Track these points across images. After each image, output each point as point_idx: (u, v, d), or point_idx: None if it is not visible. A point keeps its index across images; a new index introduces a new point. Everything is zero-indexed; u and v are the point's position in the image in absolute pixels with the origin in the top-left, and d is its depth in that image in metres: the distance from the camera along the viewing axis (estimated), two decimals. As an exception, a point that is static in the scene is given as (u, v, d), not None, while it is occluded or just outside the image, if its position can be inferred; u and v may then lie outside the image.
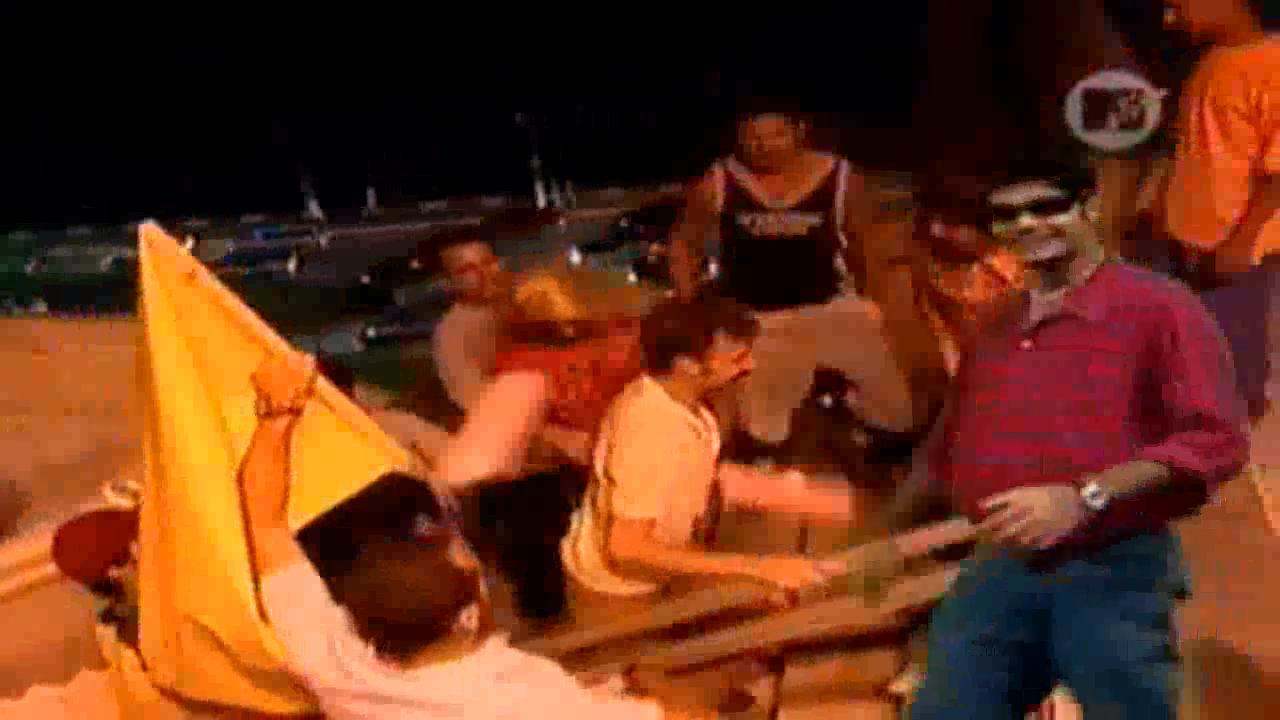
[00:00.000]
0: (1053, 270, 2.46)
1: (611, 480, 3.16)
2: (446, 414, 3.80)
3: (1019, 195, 2.40)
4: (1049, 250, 2.43)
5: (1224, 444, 2.35)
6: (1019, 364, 2.49)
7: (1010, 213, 2.41)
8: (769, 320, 3.54)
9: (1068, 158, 2.55)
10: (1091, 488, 2.28)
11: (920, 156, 4.32)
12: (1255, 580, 3.64)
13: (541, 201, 7.63)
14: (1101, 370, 2.40)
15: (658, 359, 3.15)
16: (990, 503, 2.33)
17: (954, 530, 2.84)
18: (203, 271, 2.59)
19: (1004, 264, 3.40)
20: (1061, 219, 2.40)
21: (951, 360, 3.42)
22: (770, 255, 4.19)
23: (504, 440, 3.45)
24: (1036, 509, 2.28)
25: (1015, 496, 2.29)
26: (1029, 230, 2.40)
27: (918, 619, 3.13)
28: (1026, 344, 2.48)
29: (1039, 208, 2.40)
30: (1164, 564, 2.56)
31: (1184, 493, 2.38)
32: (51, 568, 2.99)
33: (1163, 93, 4.26)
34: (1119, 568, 2.49)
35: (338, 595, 2.41)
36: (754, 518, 3.55)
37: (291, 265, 7.50)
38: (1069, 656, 2.54)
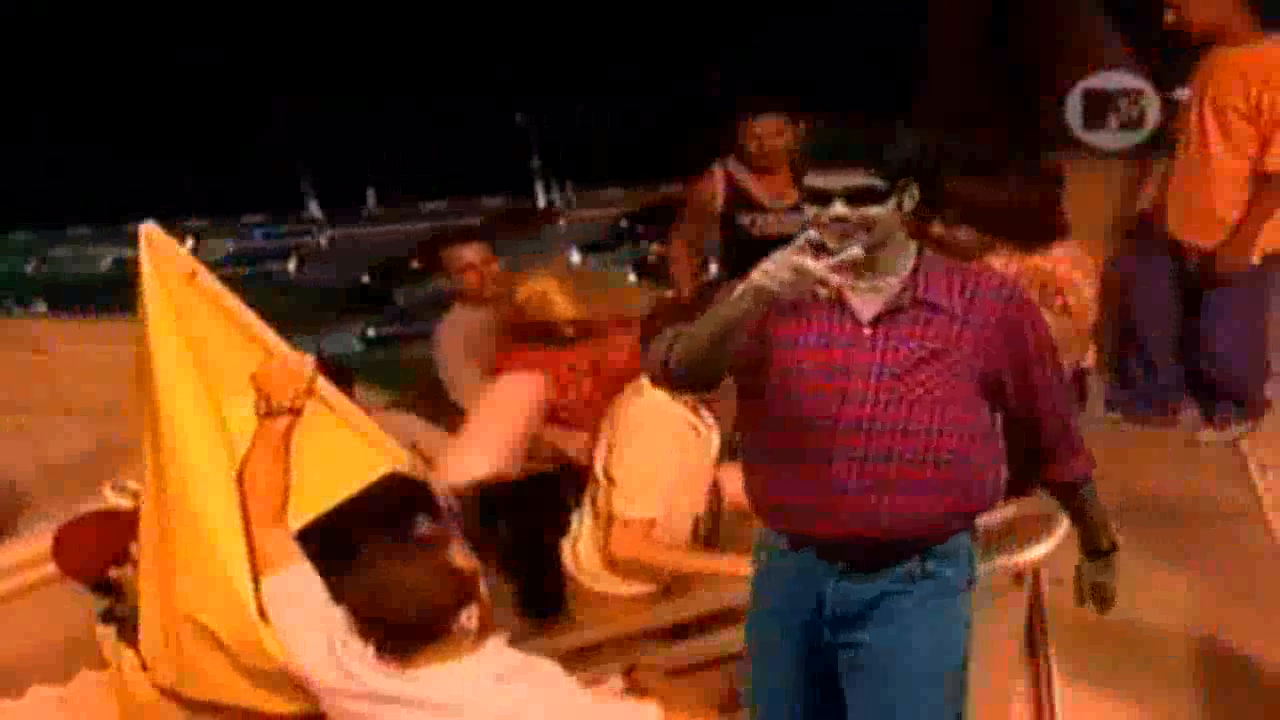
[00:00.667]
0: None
1: (611, 480, 3.16)
2: (446, 414, 3.80)
3: (836, 181, 2.20)
4: (855, 244, 2.22)
5: (1084, 448, 2.49)
6: (857, 351, 2.31)
7: (824, 198, 2.21)
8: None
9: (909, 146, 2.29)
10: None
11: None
12: (1255, 580, 3.65)
13: (541, 201, 7.62)
14: (961, 362, 2.29)
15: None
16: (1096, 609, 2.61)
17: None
18: (203, 271, 2.59)
19: (1004, 264, 3.40)
20: (875, 211, 2.21)
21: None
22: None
23: (504, 440, 3.45)
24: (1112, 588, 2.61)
25: (1108, 594, 2.62)
26: (841, 219, 2.19)
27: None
28: (868, 331, 2.30)
29: (854, 197, 2.20)
30: (973, 560, 2.49)
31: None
32: (51, 568, 2.99)
33: (1182, 92, 4.24)
34: (947, 565, 2.41)
35: (338, 595, 2.41)
36: (754, 517, 3.55)
37: (291, 265, 7.48)
38: (888, 658, 2.41)
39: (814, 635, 2.46)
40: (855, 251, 2.16)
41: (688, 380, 2.42)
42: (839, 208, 2.19)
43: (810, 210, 2.23)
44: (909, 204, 2.25)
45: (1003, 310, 2.30)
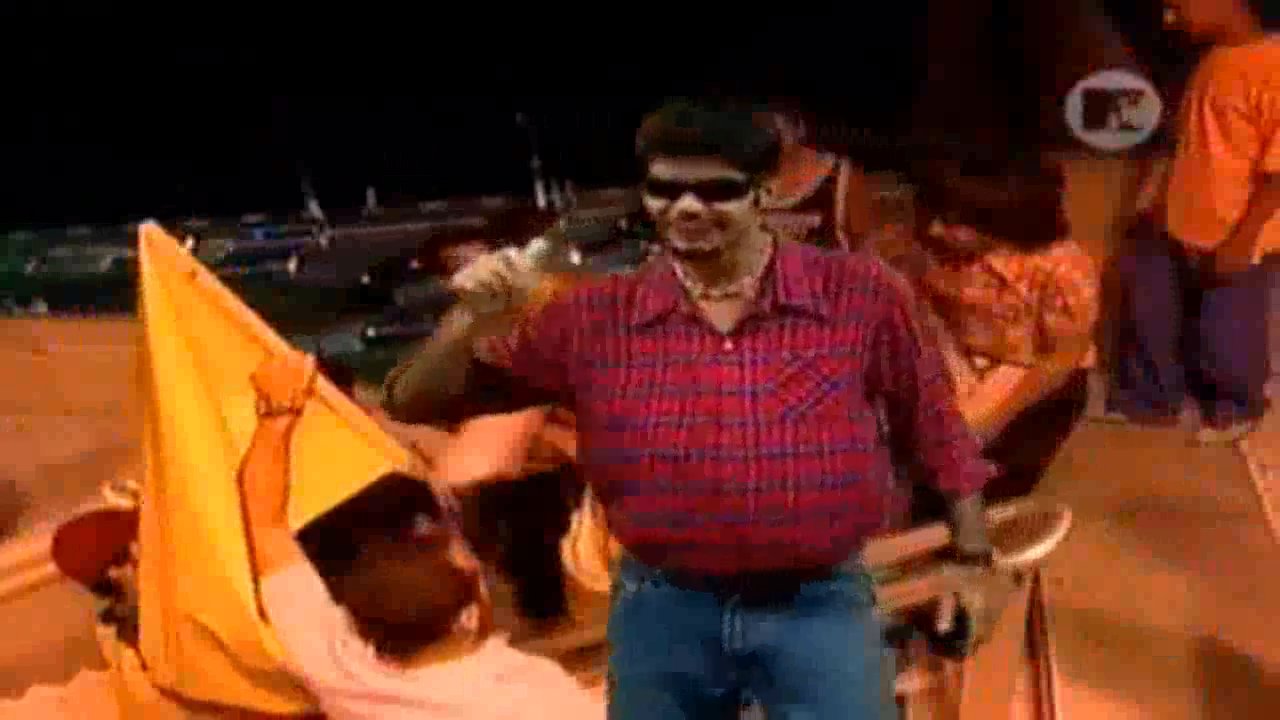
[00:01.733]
0: (707, 261, 2.02)
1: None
2: (446, 414, 3.79)
3: (687, 172, 1.94)
4: (709, 242, 1.98)
5: (970, 439, 2.26)
6: (723, 368, 2.05)
7: (672, 190, 1.95)
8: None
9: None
10: (1002, 560, 2.21)
11: (920, 156, 4.32)
12: (1255, 580, 3.65)
13: (541, 201, 7.62)
14: (839, 369, 2.06)
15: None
16: (943, 626, 2.24)
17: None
18: (203, 271, 2.59)
19: (1004, 264, 3.40)
20: (731, 206, 1.96)
21: (952, 359, 3.42)
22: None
23: (504, 440, 3.45)
24: (985, 611, 2.23)
25: (971, 610, 2.21)
26: (691, 215, 1.95)
27: (919, 619, 3.13)
28: (730, 345, 2.05)
29: (707, 191, 1.95)
30: (870, 576, 2.29)
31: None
32: (51, 568, 2.99)
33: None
34: (851, 582, 2.22)
35: (338, 595, 2.41)
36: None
37: (291, 265, 7.47)
38: (815, 685, 2.19)
39: (704, 677, 2.22)
40: (541, 245, 2.03)
41: (413, 411, 2.22)
42: (690, 202, 1.95)
43: (655, 204, 1.98)
44: (765, 199, 2.01)
45: (870, 305, 2.07)
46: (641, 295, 2.12)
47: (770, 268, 2.07)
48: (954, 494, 2.25)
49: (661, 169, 1.97)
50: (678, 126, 1.97)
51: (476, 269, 2.06)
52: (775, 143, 2.04)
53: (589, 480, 2.30)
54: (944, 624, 2.27)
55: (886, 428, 2.20)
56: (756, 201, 2.00)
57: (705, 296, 2.08)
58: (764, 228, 2.08)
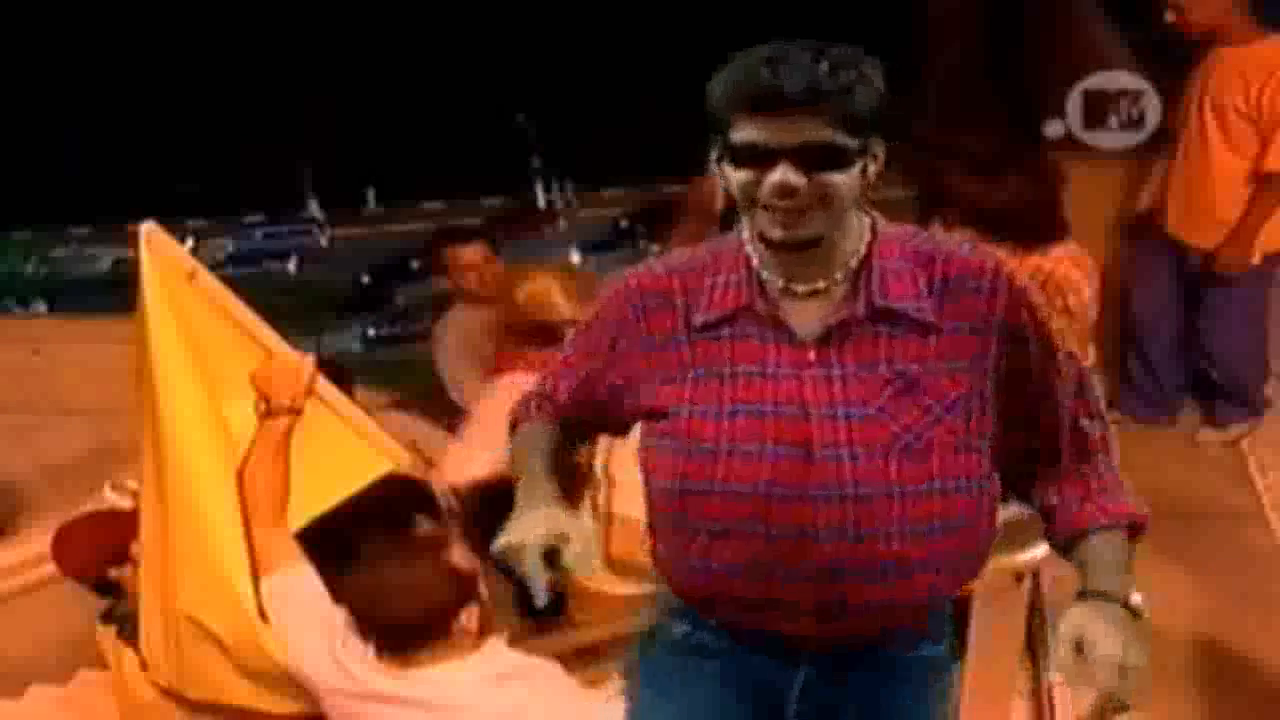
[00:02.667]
0: (805, 251, 1.65)
1: (611, 480, 3.16)
2: (446, 414, 3.80)
3: (784, 135, 1.56)
4: (810, 228, 1.61)
5: (1119, 479, 1.87)
6: (807, 385, 1.69)
7: (766, 158, 1.57)
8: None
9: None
10: (1136, 598, 1.69)
11: (920, 156, 4.32)
12: (1255, 580, 3.65)
13: (541, 201, 7.62)
14: (951, 388, 1.68)
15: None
16: (1062, 677, 1.94)
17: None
18: (203, 271, 2.59)
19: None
20: (838, 178, 1.59)
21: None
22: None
23: (504, 440, 3.45)
24: (1122, 655, 1.61)
25: (1097, 650, 1.61)
26: (789, 190, 1.57)
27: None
28: (813, 355, 1.69)
29: (809, 158, 1.57)
30: (953, 627, 1.99)
31: None
32: (51, 568, 2.98)
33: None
34: (936, 644, 1.91)
35: (338, 595, 2.41)
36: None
37: (291, 265, 7.49)
38: None
39: None
40: (540, 585, 1.66)
41: None
42: (787, 173, 1.57)
43: (738, 177, 1.61)
44: (874, 170, 1.66)
45: (988, 307, 1.68)
46: (709, 288, 1.74)
47: (867, 259, 1.69)
48: (1092, 529, 1.79)
49: (749, 131, 1.58)
50: (771, 76, 1.55)
51: (520, 550, 1.69)
52: (885, 99, 1.62)
53: (648, 510, 1.88)
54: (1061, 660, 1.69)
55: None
56: (865, 173, 1.64)
57: (787, 292, 1.70)
58: (864, 209, 1.72)
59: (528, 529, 1.72)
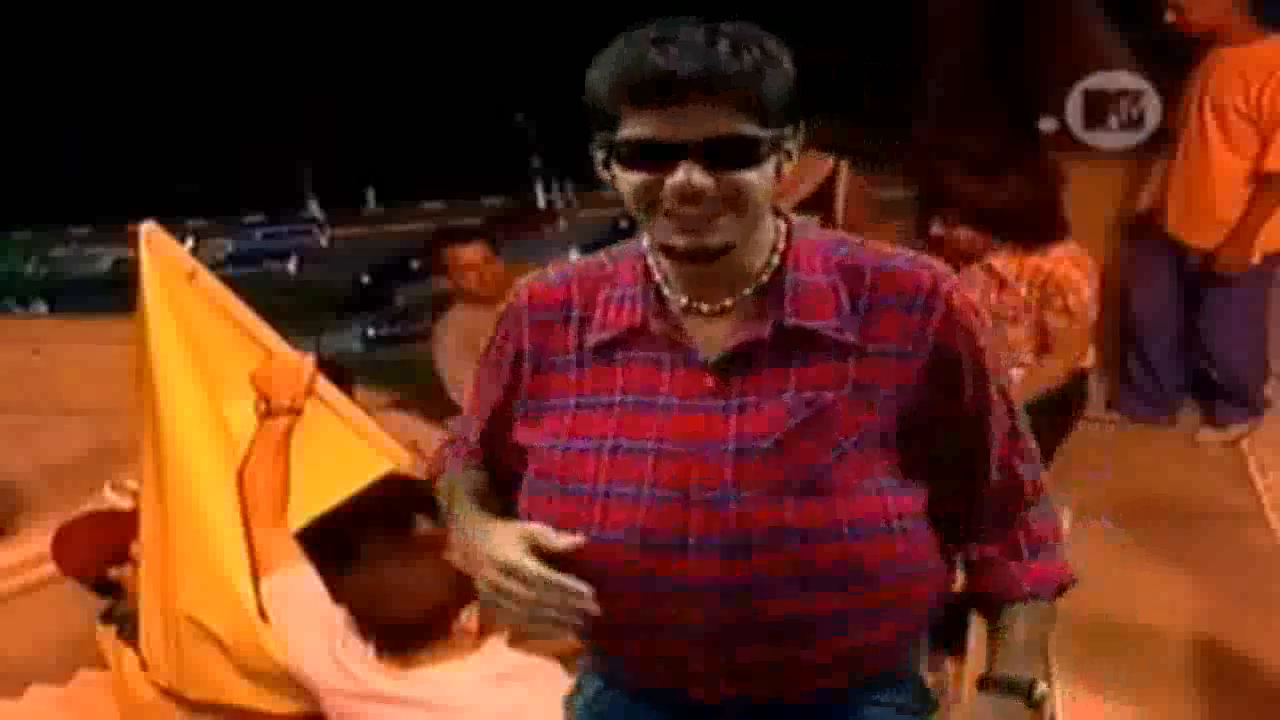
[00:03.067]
0: (714, 262, 1.42)
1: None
2: (446, 414, 3.80)
3: (687, 127, 1.34)
4: (720, 235, 1.39)
5: (1055, 529, 1.62)
6: (701, 416, 1.46)
7: (660, 157, 1.36)
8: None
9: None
10: (1041, 687, 1.56)
11: (920, 156, 4.33)
12: (1255, 580, 3.64)
13: (541, 201, 7.62)
14: (868, 419, 1.44)
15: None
16: None
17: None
18: (203, 271, 2.59)
19: (1004, 264, 3.40)
20: (750, 176, 1.37)
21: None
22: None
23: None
24: None
25: None
26: (695, 193, 1.35)
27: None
28: (712, 382, 1.46)
29: (716, 153, 1.35)
30: (922, 671, 1.77)
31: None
32: (51, 568, 2.99)
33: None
34: (896, 692, 1.63)
35: (338, 595, 2.41)
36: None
37: (291, 265, 7.48)
38: None
39: None
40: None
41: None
42: (691, 174, 1.35)
43: (632, 180, 1.39)
44: (788, 165, 1.44)
45: (920, 325, 1.44)
46: (604, 302, 1.52)
47: (780, 270, 1.47)
48: (1009, 597, 1.59)
49: (641, 126, 1.36)
50: (662, 61, 1.33)
51: (486, 571, 1.48)
52: (795, 83, 1.42)
53: None
54: None
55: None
56: (779, 170, 1.43)
57: (690, 310, 1.48)
58: (777, 211, 1.50)
59: (502, 548, 1.47)
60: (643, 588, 1.47)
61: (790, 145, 1.44)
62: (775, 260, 1.48)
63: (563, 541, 1.44)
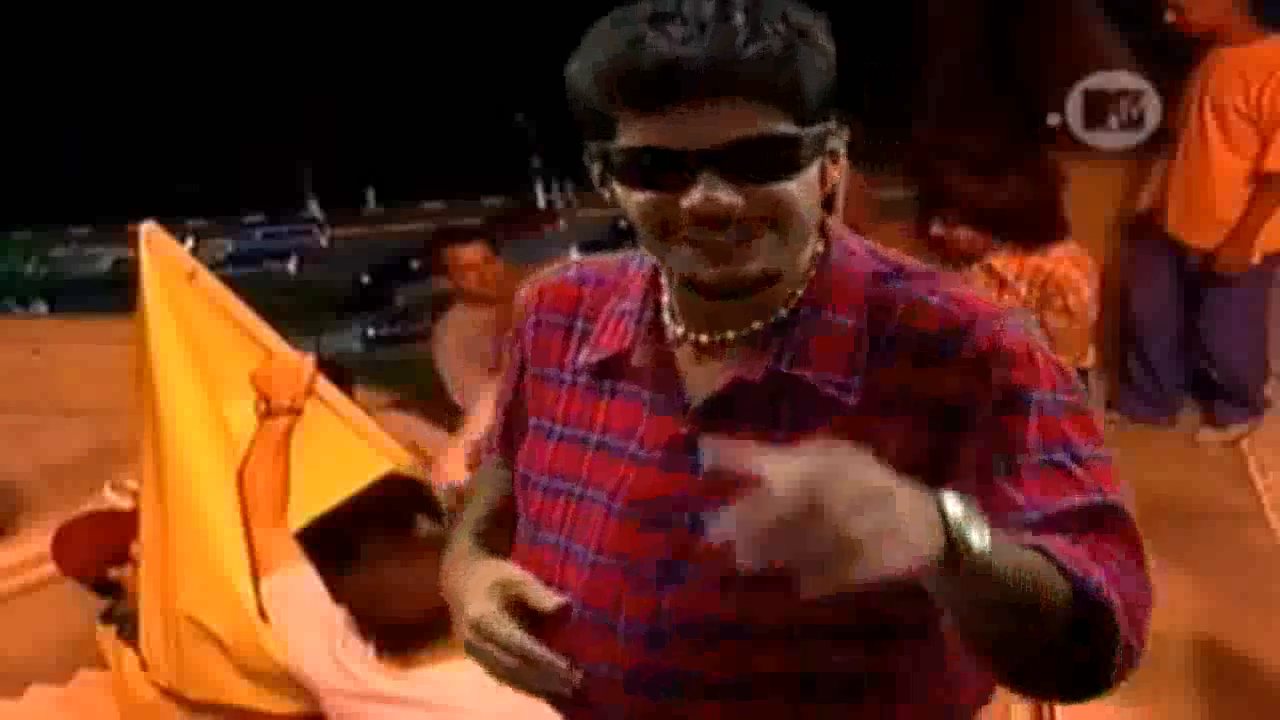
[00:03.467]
0: (748, 295, 1.17)
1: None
2: (446, 414, 3.80)
3: (702, 130, 1.06)
4: (757, 260, 1.12)
5: (1138, 563, 1.15)
6: (661, 472, 1.21)
7: (674, 169, 1.08)
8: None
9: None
10: (982, 541, 0.97)
11: (920, 156, 4.33)
12: (1255, 580, 3.64)
13: (541, 201, 7.62)
14: None
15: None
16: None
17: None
18: (203, 271, 2.59)
19: (1004, 264, 3.40)
20: (790, 186, 1.11)
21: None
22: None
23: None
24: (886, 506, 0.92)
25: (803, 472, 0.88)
26: (721, 214, 1.08)
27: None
28: (686, 431, 1.21)
29: (741, 161, 1.07)
30: None
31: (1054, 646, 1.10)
32: (51, 568, 2.99)
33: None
34: None
35: (338, 595, 2.41)
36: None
37: (291, 265, 7.49)
38: None
39: None
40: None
41: None
42: (714, 190, 1.07)
43: (640, 199, 1.11)
44: (834, 169, 1.17)
45: (939, 381, 1.15)
46: (607, 315, 1.30)
47: (809, 297, 1.20)
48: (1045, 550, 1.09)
49: (642, 132, 1.08)
50: (665, 48, 1.04)
51: (468, 629, 1.35)
52: (834, 67, 1.12)
53: None
54: None
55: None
56: (824, 178, 1.16)
57: (689, 340, 1.23)
58: (822, 227, 1.23)
59: (478, 602, 1.32)
60: (579, 666, 1.26)
61: (835, 143, 1.17)
62: (800, 291, 1.20)
63: (543, 603, 1.26)
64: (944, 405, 1.15)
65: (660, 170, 1.09)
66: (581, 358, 1.30)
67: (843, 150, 1.19)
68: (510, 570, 1.33)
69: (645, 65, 1.05)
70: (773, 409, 1.19)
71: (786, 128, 1.09)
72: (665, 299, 1.26)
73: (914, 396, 1.16)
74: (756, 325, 1.20)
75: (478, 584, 1.33)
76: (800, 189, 1.12)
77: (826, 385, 1.18)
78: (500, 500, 1.46)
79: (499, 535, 1.43)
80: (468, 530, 1.49)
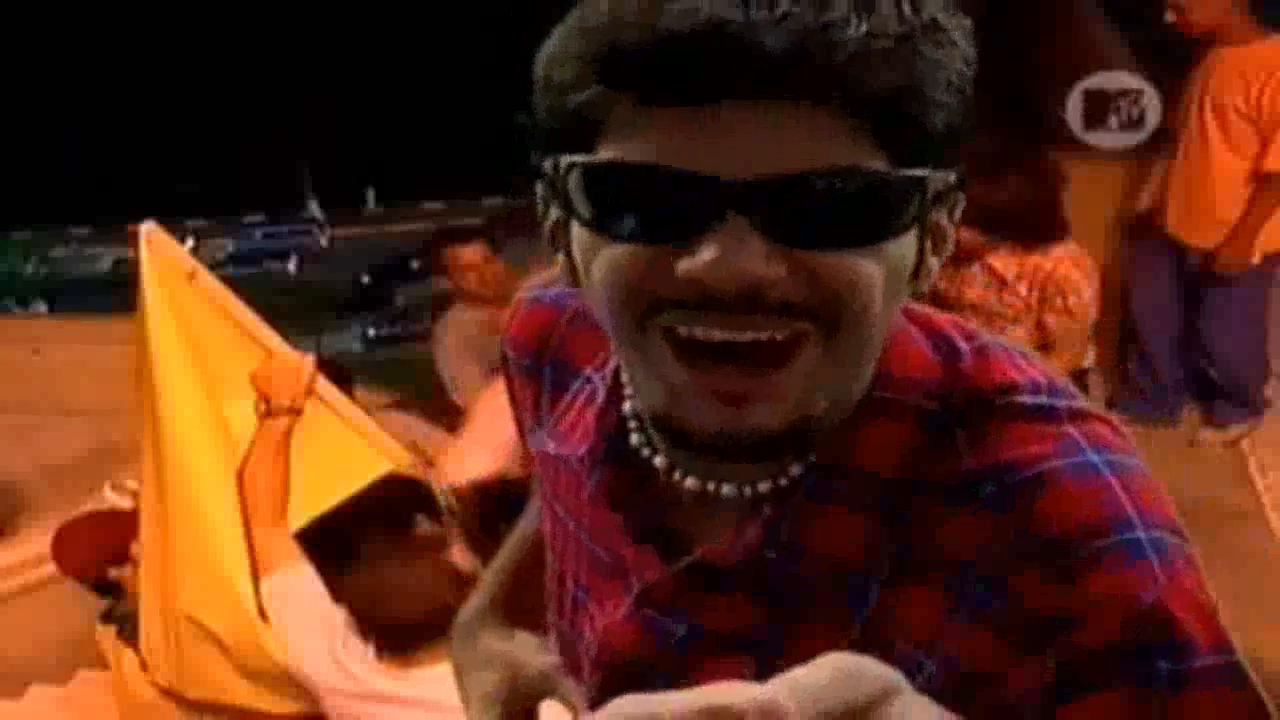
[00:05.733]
0: (757, 455, 0.77)
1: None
2: (446, 414, 3.80)
3: (746, 149, 0.65)
4: (780, 405, 0.72)
5: None
6: (643, 634, 0.90)
7: (695, 195, 0.67)
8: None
9: None
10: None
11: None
12: (1255, 580, 3.64)
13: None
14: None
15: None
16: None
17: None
18: (203, 271, 2.59)
19: (1004, 264, 3.40)
20: (868, 267, 0.70)
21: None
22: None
23: (504, 440, 3.44)
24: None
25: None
26: (737, 286, 0.67)
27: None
28: (672, 586, 0.88)
29: (800, 206, 0.66)
30: None
31: None
32: (51, 568, 2.99)
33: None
34: None
35: (338, 595, 2.41)
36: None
37: (291, 265, 7.49)
38: None
39: None
40: None
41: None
42: (742, 248, 0.66)
43: (614, 256, 0.72)
44: (945, 243, 0.79)
45: (995, 529, 0.81)
46: (574, 383, 0.96)
47: (858, 410, 0.80)
48: None
49: (649, 140, 0.69)
50: (714, 9, 0.64)
51: None
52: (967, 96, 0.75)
53: None
54: None
55: None
56: (923, 256, 0.76)
57: (671, 478, 0.85)
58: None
59: (478, 692, 1.16)
60: None
61: (954, 202, 0.77)
62: (857, 389, 0.81)
63: None
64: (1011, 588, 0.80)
65: (664, 204, 0.68)
66: (551, 417, 0.96)
67: (957, 214, 0.78)
68: (513, 675, 1.15)
69: (675, 27, 0.64)
70: (782, 579, 0.83)
71: (880, 164, 0.68)
72: (629, 407, 0.86)
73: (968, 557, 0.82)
74: (764, 487, 0.81)
75: (478, 684, 1.17)
76: (883, 269, 0.70)
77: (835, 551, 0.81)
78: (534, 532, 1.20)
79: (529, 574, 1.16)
80: (492, 583, 1.28)
